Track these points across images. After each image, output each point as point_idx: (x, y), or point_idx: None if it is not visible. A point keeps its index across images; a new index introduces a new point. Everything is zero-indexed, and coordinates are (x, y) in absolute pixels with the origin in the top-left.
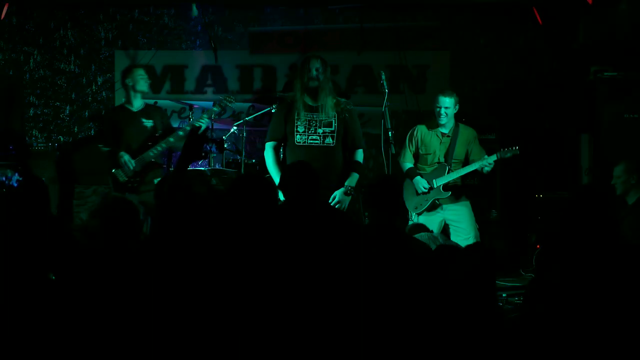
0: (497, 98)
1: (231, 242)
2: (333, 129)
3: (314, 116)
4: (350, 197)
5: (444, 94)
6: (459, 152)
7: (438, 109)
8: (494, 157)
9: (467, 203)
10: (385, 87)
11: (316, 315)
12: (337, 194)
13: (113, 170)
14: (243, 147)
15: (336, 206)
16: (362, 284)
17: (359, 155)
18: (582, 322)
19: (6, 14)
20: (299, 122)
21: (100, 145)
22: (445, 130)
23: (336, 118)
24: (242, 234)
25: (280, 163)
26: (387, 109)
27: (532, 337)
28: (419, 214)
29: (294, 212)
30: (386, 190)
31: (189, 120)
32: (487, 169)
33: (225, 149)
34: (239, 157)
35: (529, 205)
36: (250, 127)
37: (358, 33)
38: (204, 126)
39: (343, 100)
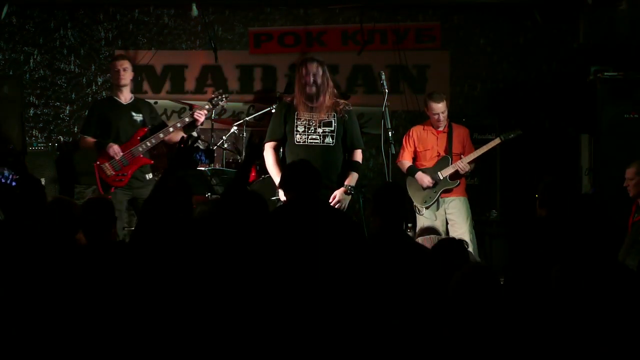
0: (497, 98)
1: (231, 240)
2: (333, 128)
3: (314, 116)
4: (350, 196)
5: (435, 99)
6: (457, 146)
7: (436, 116)
8: (497, 141)
9: (464, 199)
10: (385, 87)
11: (317, 316)
12: (337, 193)
13: (97, 163)
14: (243, 147)
15: (336, 206)
16: (363, 284)
17: (358, 156)
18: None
19: (6, 14)
20: (298, 122)
21: (85, 136)
22: (439, 128)
23: (335, 118)
24: (242, 233)
25: (280, 163)
26: (387, 109)
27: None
28: (427, 208)
29: (295, 211)
30: (391, 197)
31: (183, 117)
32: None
33: (218, 156)
34: (239, 157)
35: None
36: (250, 127)
37: (358, 33)
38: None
39: (342, 101)
